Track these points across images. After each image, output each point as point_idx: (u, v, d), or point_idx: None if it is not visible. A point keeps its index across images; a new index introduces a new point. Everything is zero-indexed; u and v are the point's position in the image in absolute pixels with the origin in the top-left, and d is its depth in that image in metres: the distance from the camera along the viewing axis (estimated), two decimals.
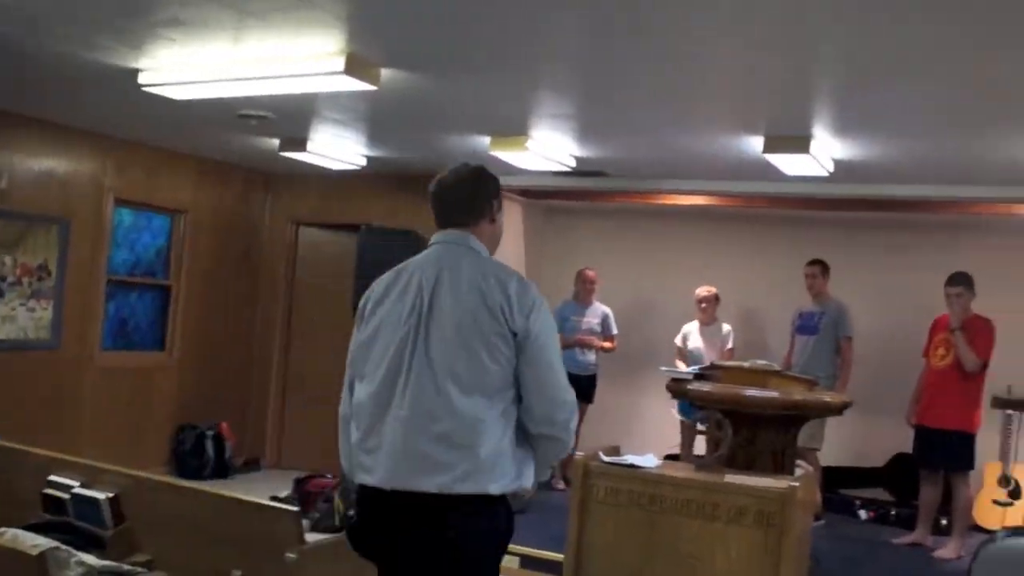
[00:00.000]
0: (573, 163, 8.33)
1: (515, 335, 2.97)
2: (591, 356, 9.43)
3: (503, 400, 3.00)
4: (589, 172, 8.78)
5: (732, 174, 8.34)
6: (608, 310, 9.65)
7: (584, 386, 9.05)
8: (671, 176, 8.90)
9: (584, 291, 9.61)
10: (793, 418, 5.88)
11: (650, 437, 9.66)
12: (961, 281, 7.67)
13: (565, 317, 9.38)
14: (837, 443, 9.02)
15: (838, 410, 6.19)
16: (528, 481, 3.09)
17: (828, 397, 6.15)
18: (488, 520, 3.00)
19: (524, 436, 3.08)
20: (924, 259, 9.30)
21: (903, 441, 8.30)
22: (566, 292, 9.72)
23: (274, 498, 7.94)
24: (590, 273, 9.71)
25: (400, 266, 3.23)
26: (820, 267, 8.78)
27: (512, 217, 10.03)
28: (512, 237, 9.79)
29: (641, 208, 10.55)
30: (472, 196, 3.20)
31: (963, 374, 7.62)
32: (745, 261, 10.26)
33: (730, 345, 9.67)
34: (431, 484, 2.93)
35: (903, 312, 9.33)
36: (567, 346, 8.93)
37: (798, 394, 5.83)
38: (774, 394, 5.64)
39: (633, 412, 10.32)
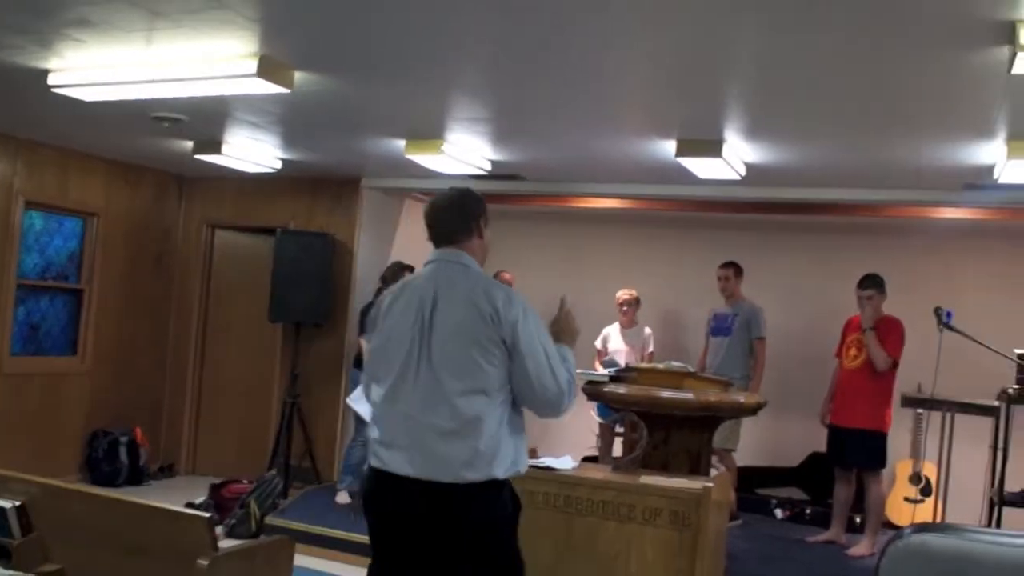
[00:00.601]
0: (489, 166, 8.25)
1: (504, 341, 3.34)
2: None
3: (500, 395, 3.36)
4: (505, 175, 8.69)
5: (647, 177, 8.33)
6: None
7: None
8: (587, 179, 8.84)
9: None
10: (707, 419, 5.94)
11: (568, 439, 9.60)
12: (872, 284, 7.73)
13: None
14: (753, 443, 9.03)
15: (752, 410, 6.26)
16: (524, 465, 3.46)
17: (742, 398, 6.20)
18: (499, 502, 3.38)
19: (518, 423, 3.47)
20: (837, 261, 9.35)
21: (817, 441, 8.33)
22: None
23: (189, 504, 8.07)
24: (507, 276, 9.56)
25: (404, 280, 3.62)
26: (733, 269, 8.83)
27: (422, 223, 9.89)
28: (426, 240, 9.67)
29: (559, 211, 10.48)
30: (461, 217, 3.58)
31: (874, 374, 7.67)
32: (663, 263, 10.24)
33: (651, 348, 9.66)
34: (444, 474, 3.29)
35: (816, 313, 9.38)
36: None
37: (712, 395, 5.87)
38: (688, 395, 5.68)
39: None
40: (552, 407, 3.47)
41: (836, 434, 7.90)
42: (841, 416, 7.88)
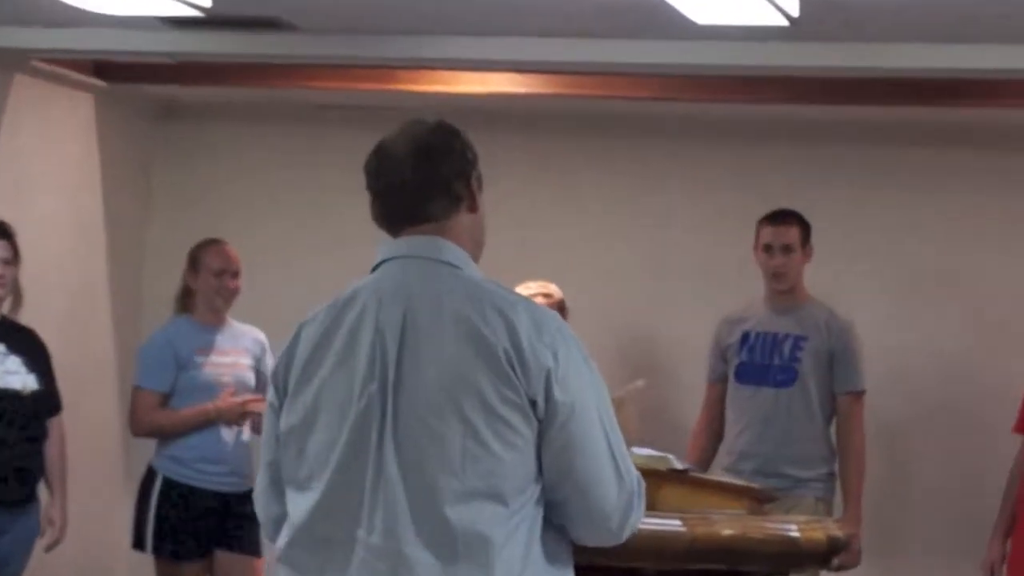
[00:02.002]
0: (208, 1, 5.41)
1: (533, 405, 2.41)
2: (241, 438, 5.31)
3: (524, 505, 2.47)
4: (248, 21, 5.63)
5: (588, 27, 5.43)
6: (263, 337, 5.66)
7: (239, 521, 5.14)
8: (440, 29, 5.65)
9: (216, 294, 5.34)
10: None
11: None
12: None
13: (179, 352, 5.31)
14: None
15: (826, 556, 3.78)
16: None
17: (811, 530, 3.75)
18: None
19: (558, 552, 2.58)
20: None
21: None
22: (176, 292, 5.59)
23: None
24: (230, 252, 5.53)
25: (338, 299, 2.62)
26: (798, 228, 5.33)
27: (69, 124, 6.49)
28: (70, 168, 6.39)
29: (371, 103, 6.42)
30: (435, 174, 2.60)
31: None
32: (623, 224, 6.40)
33: None
34: None
35: (962, 330, 5.94)
36: (202, 419, 5.13)
37: (732, 524, 3.73)
38: (674, 525, 3.60)
39: None
40: (607, 532, 2.55)
41: None
42: None
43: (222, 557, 4.84)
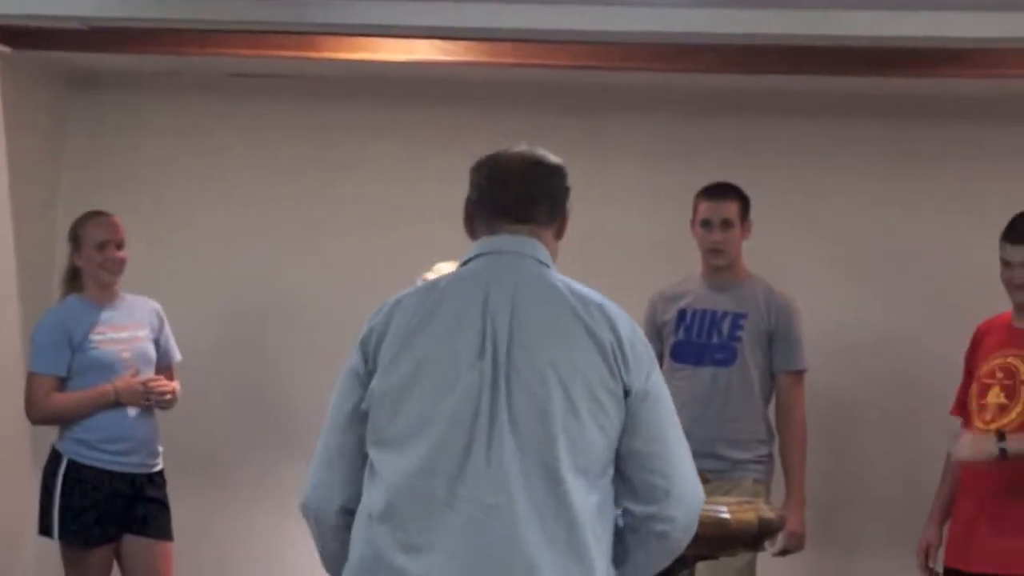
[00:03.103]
0: None
1: (627, 393, 2.71)
2: (146, 417, 5.02)
3: (603, 487, 2.73)
4: None
5: None
6: (158, 306, 5.30)
7: (148, 506, 4.94)
8: None
9: (101, 268, 5.03)
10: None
11: None
12: None
13: (72, 333, 5.00)
14: None
15: (756, 539, 3.62)
16: None
17: (742, 511, 3.62)
18: None
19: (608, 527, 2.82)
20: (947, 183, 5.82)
21: None
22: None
23: None
24: (112, 222, 5.14)
25: (436, 281, 2.96)
26: (737, 203, 5.16)
27: None
28: None
29: (290, 71, 6.13)
30: (548, 188, 2.94)
31: None
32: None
33: None
34: None
35: (902, 308, 5.78)
36: (102, 400, 4.86)
37: None
38: None
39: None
40: (691, 511, 2.76)
41: None
42: (976, 552, 4.46)
43: (131, 541, 4.61)
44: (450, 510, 2.68)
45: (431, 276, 5.17)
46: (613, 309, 2.78)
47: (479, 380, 2.73)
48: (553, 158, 3.00)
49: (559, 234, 2.96)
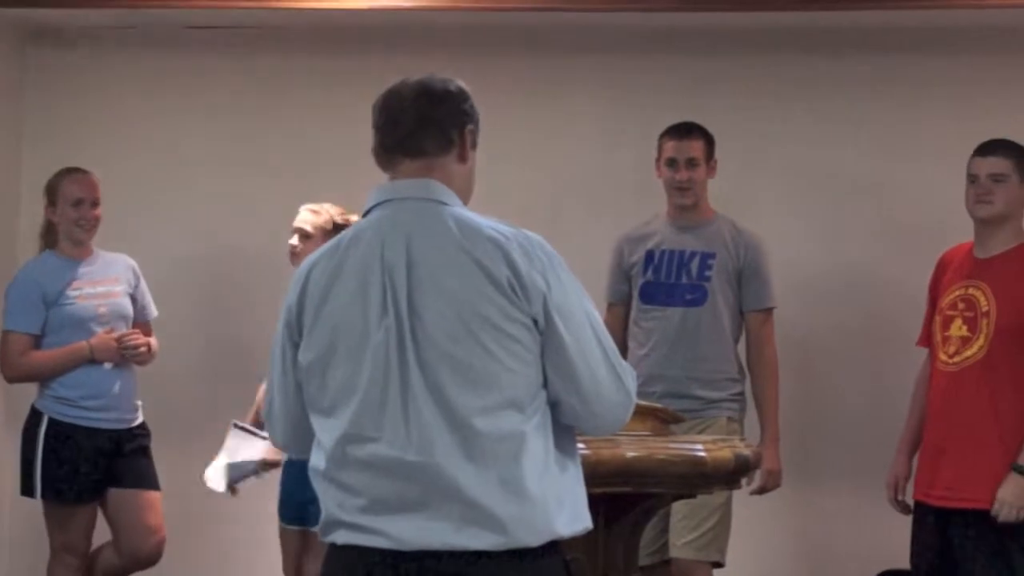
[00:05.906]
0: None
1: (535, 321, 2.68)
2: (124, 372, 4.97)
3: (537, 409, 2.73)
4: None
5: None
6: (134, 263, 5.25)
7: (131, 458, 4.91)
8: None
9: (75, 225, 5.01)
10: (627, 501, 3.68)
11: None
12: (1008, 152, 4.43)
13: (47, 290, 4.93)
14: (760, 549, 5.57)
15: (733, 476, 3.64)
16: (587, 518, 2.81)
17: (718, 448, 3.57)
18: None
19: (570, 450, 2.86)
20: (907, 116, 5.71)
21: (893, 541, 5.07)
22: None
23: None
24: (88, 180, 5.09)
25: (340, 241, 2.83)
26: (703, 142, 5.08)
27: None
28: None
29: (245, 22, 5.94)
30: (439, 116, 2.82)
31: (1018, 377, 4.42)
32: (513, 143, 5.85)
33: None
34: (478, 539, 2.64)
35: (869, 243, 5.69)
36: (78, 357, 4.81)
37: (635, 446, 3.58)
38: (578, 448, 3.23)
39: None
40: (614, 419, 2.84)
41: (932, 526, 4.50)
42: (941, 485, 4.44)
43: (115, 494, 4.56)
44: (381, 473, 2.68)
45: (295, 222, 5.03)
46: (509, 242, 2.72)
47: (386, 337, 2.71)
48: (442, 84, 2.90)
49: (462, 158, 2.87)
